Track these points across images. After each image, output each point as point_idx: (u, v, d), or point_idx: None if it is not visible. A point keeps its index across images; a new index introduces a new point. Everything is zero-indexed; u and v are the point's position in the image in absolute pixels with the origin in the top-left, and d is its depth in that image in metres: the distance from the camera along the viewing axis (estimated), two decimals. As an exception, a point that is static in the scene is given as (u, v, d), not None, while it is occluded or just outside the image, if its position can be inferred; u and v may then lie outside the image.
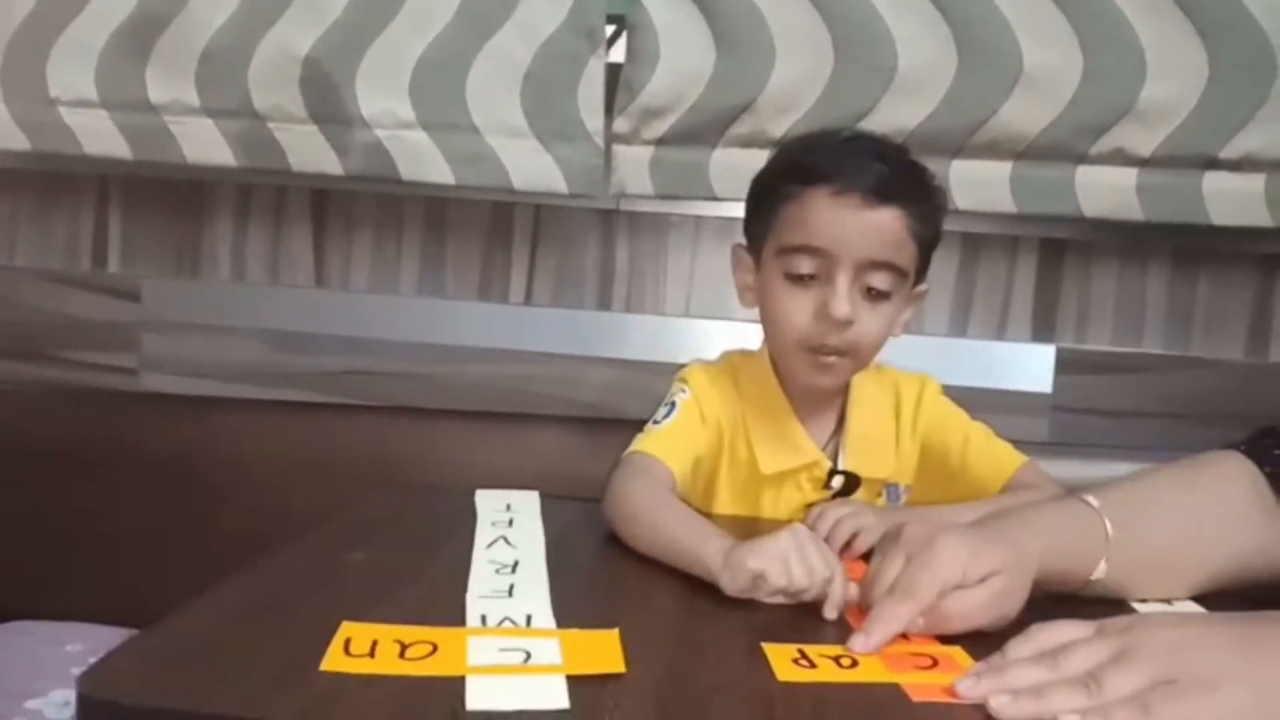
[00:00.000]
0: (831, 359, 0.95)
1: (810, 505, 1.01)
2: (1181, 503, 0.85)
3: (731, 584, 0.74)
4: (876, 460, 1.04)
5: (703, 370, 1.05)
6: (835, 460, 1.03)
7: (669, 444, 0.98)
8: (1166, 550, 0.82)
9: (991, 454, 1.05)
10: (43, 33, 1.48)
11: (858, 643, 0.66)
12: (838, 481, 1.02)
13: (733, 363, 1.07)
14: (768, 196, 0.98)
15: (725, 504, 1.05)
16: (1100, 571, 0.78)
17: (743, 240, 1.05)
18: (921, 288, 1.01)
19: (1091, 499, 0.80)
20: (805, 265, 0.93)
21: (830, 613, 0.72)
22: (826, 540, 0.89)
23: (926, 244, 0.96)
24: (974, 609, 0.69)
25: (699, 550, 0.77)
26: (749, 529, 0.83)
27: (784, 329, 0.96)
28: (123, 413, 1.49)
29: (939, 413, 1.08)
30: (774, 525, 0.94)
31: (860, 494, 1.03)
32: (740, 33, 1.35)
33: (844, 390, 1.04)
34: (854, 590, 0.74)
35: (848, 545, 0.91)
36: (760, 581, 0.73)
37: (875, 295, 0.94)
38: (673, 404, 1.01)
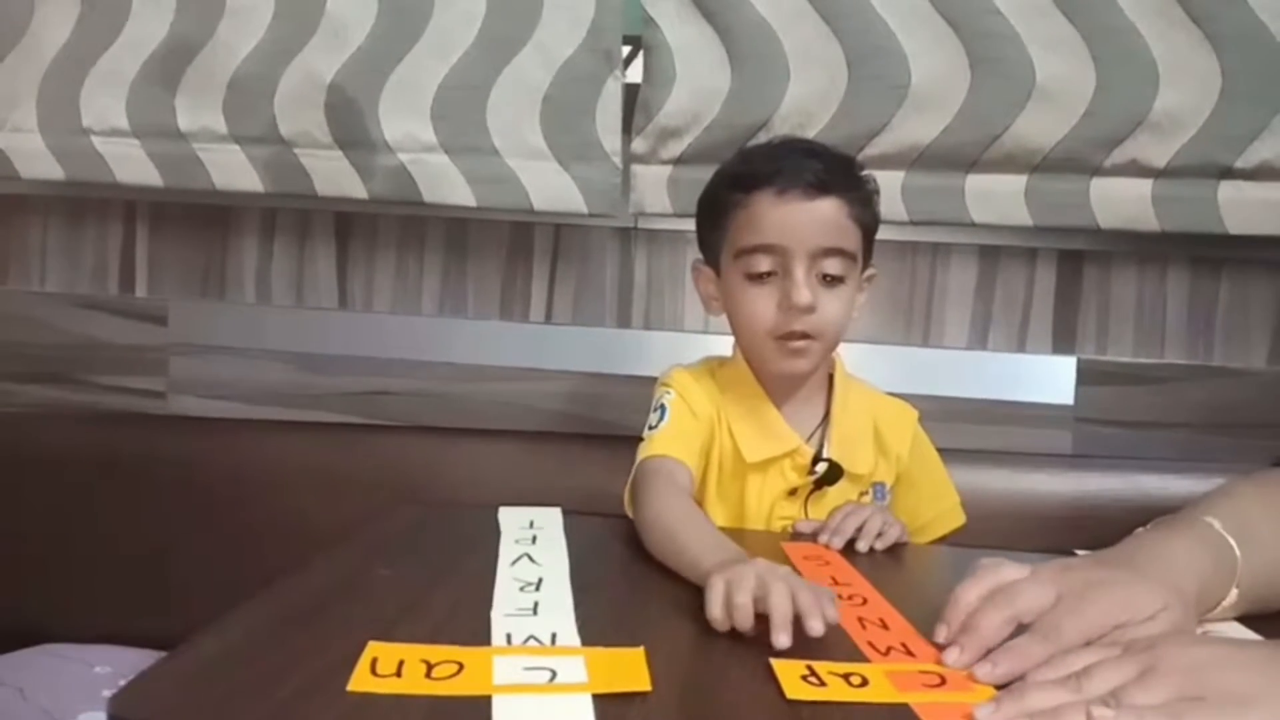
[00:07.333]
0: (801, 343, 1.00)
1: (793, 490, 1.05)
2: None
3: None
4: (858, 456, 1.08)
5: (683, 371, 1.10)
6: (820, 451, 1.06)
7: (674, 442, 1.02)
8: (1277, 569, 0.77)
9: (939, 505, 1.13)
10: (76, 64, 1.51)
11: (950, 655, 0.64)
12: (821, 467, 1.04)
13: (710, 366, 1.12)
14: (717, 208, 1.05)
15: (712, 492, 1.08)
16: (1231, 599, 0.74)
17: (699, 256, 1.11)
18: (870, 272, 1.07)
19: (1213, 520, 0.75)
20: (763, 263, 1.00)
21: (781, 640, 0.66)
22: (856, 535, 0.97)
23: (868, 228, 1.03)
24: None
25: (697, 570, 0.79)
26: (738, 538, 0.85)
27: (753, 324, 1.02)
28: (151, 435, 1.51)
29: (918, 439, 1.13)
30: (780, 536, 1.01)
31: (845, 489, 1.06)
32: (754, 52, 1.37)
33: (827, 388, 1.09)
34: (833, 614, 0.69)
35: (878, 539, 0.97)
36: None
37: (830, 281, 1.00)
38: (663, 407, 1.06)
